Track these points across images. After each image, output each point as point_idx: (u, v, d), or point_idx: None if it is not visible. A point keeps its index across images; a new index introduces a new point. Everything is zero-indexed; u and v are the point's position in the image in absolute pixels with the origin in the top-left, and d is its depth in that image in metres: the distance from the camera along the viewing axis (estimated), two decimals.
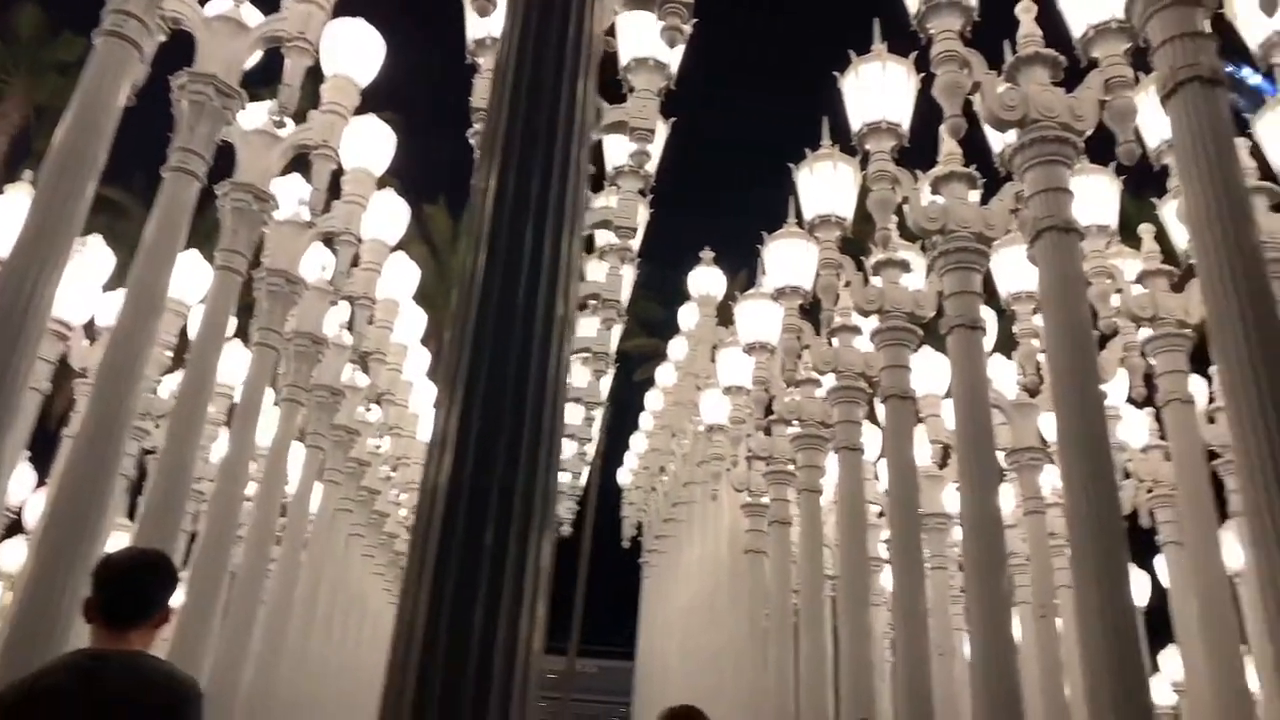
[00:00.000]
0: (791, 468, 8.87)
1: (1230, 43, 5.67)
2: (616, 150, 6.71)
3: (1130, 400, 9.13)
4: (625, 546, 16.21)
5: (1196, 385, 7.15)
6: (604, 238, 7.63)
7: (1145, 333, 7.09)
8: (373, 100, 7.31)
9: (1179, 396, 6.74)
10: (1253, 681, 6.39)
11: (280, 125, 6.35)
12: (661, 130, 6.87)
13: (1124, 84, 5.41)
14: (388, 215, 8.00)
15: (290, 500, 8.47)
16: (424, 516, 2.11)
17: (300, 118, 6.52)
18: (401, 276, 8.98)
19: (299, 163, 6.85)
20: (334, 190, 7.19)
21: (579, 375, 9.21)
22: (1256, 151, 6.44)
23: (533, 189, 2.36)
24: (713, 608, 11.10)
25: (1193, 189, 3.81)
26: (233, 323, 7.26)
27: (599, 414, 10.12)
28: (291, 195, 7.04)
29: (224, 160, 6.31)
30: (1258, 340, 3.34)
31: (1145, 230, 7.59)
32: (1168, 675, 12.92)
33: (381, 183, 7.75)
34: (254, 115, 6.41)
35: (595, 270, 7.99)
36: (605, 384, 9.40)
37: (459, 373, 2.18)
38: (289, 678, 7.76)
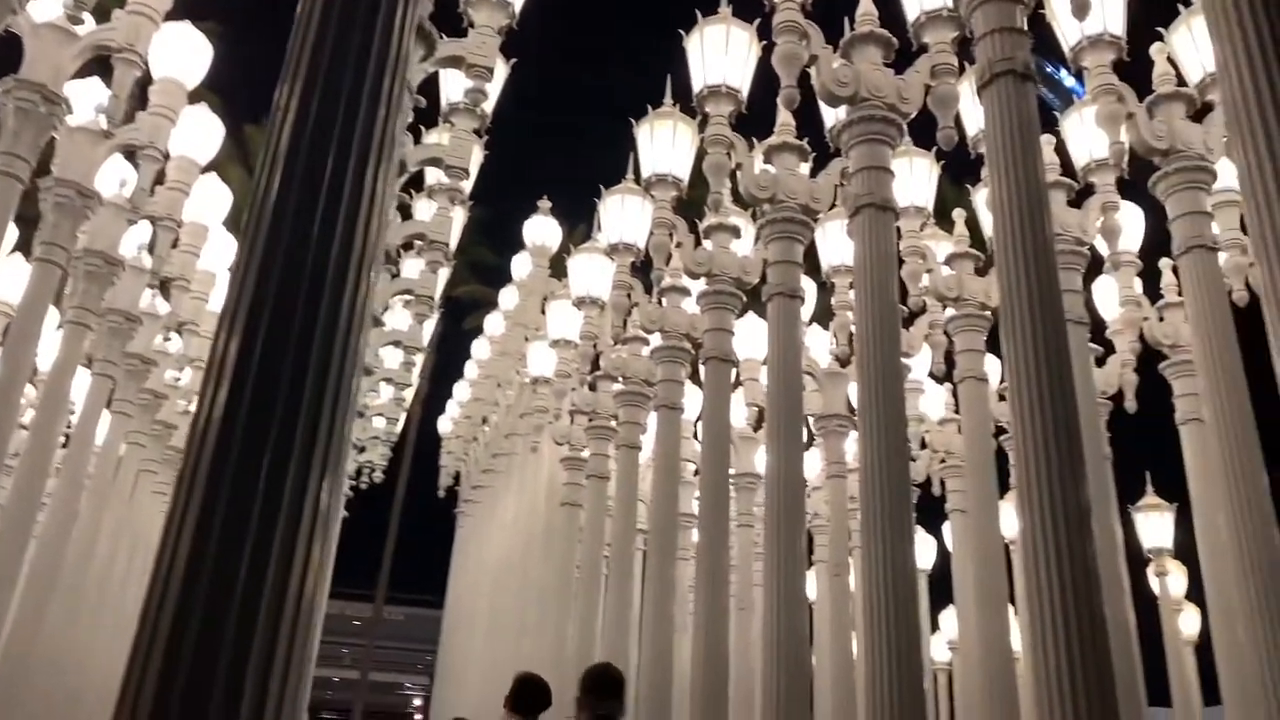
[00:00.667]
0: (613, 423, 8.95)
1: (1051, 43, 6.04)
2: (453, 86, 6.47)
3: (931, 375, 9.70)
4: (441, 495, 15.98)
5: (991, 364, 7.62)
6: (435, 176, 7.37)
7: (950, 312, 7.47)
8: (194, 7, 6.76)
9: (974, 374, 7.17)
10: (1016, 642, 6.93)
11: (77, 21, 5.75)
12: (501, 70, 6.66)
13: (949, 71, 5.65)
14: (200, 132, 7.41)
15: (73, 431, 7.84)
16: (194, 450, 1.96)
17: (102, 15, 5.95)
18: (212, 199, 8.37)
19: (101, 67, 6.27)
20: (142, 101, 6.63)
21: (400, 318, 8.93)
22: (1061, 148, 6.89)
23: (338, 114, 2.21)
24: (525, 559, 11.12)
25: (997, 178, 4.02)
26: (13, 234, 6.59)
27: (420, 359, 9.85)
28: (89, 101, 6.43)
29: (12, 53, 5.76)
30: (1042, 325, 3.57)
31: (958, 215, 8.01)
32: (946, 634, 13.97)
33: (196, 96, 7.18)
34: (48, 7, 5.78)
35: (423, 210, 7.72)
36: (429, 328, 9.15)
37: (242, 300, 2.03)
38: (60, 623, 7.22)
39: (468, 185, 7.20)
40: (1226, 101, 2.88)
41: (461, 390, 15.51)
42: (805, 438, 10.90)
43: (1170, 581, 11.39)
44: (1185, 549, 8.94)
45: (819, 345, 8.99)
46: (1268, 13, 2.78)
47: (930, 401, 10.03)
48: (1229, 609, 5.69)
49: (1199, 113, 5.85)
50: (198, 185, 7.67)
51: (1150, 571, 11.41)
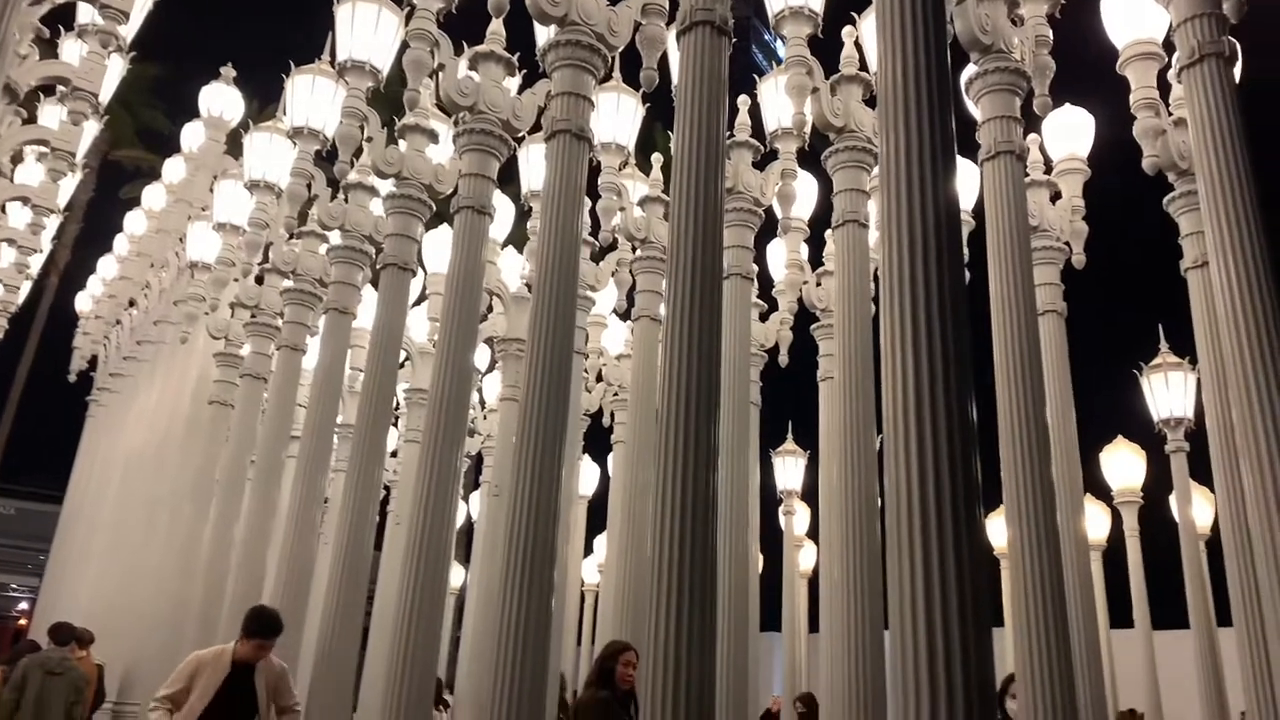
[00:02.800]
0: (278, 322, 8.36)
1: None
2: None
3: (615, 312, 9.99)
4: (72, 380, 14.20)
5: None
6: (89, 15, 6.38)
7: (639, 252, 7.66)
8: None
9: (649, 314, 7.42)
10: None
11: None
12: None
13: (659, 12, 5.70)
14: None
15: None
16: None
17: None
18: None
19: None
20: None
21: (31, 172, 7.73)
22: (756, 110, 7.22)
23: None
24: (161, 457, 10.19)
25: (683, 126, 4.10)
26: None
27: (53, 223, 8.59)
28: None
29: None
30: (701, 274, 3.71)
31: (656, 159, 8.20)
32: (597, 557, 14.69)
33: None
34: None
35: (71, 51, 6.67)
36: (67, 188, 7.98)
37: None
38: None
39: (128, 31, 6.29)
40: (880, 90, 3.10)
41: (108, 266, 13.83)
42: (489, 360, 10.95)
43: (795, 520, 12.71)
44: (813, 492, 9.92)
45: (511, 268, 8.90)
46: (925, 14, 3.01)
47: (611, 336, 10.32)
48: (831, 548, 6.38)
49: (873, 98, 6.35)
50: None
51: (781, 510, 12.67)
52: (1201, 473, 8.68)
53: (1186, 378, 7.75)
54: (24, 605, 29.14)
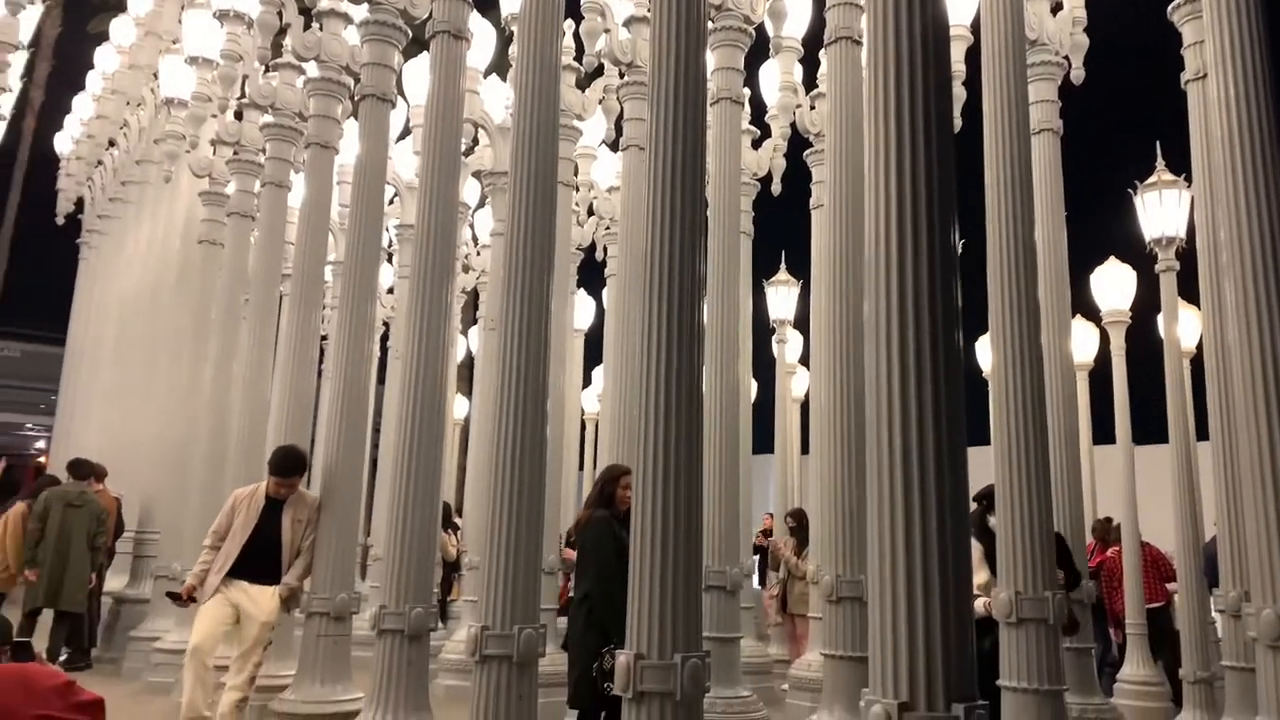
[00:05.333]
0: (260, 158, 8.20)
1: None
2: None
3: (604, 142, 9.76)
4: (61, 222, 14.05)
5: None
6: None
7: (625, 78, 7.40)
8: None
9: (639, 143, 7.22)
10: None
11: None
12: None
13: None
14: None
15: None
16: None
17: None
18: None
19: None
20: None
21: None
22: None
23: None
24: (157, 297, 10.23)
25: None
26: None
27: (19, 60, 8.29)
28: None
29: None
30: (684, 98, 3.60)
31: None
32: (595, 388, 14.98)
33: None
34: None
35: None
36: (28, 22, 7.65)
37: None
38: None
39: None
40: None
41: (85, 105, 13.43)
42: (479, 195, 10.80)
43: (788, 348, 12.87)
44: (807, 321, 9.99)
45: (495, 98, 8.62)
46: None
47: (601, 168, 10.13)
48: (821, 373, 6.51)
49: None
50: None
51: (774, 339, 12.81)
52: (1191, 293, 8.75)
53: (1180, 195, 7.65)
54: (41, 444, 29.94)
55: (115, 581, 9.68)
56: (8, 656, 3.04)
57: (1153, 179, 7.84)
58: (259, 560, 5.73)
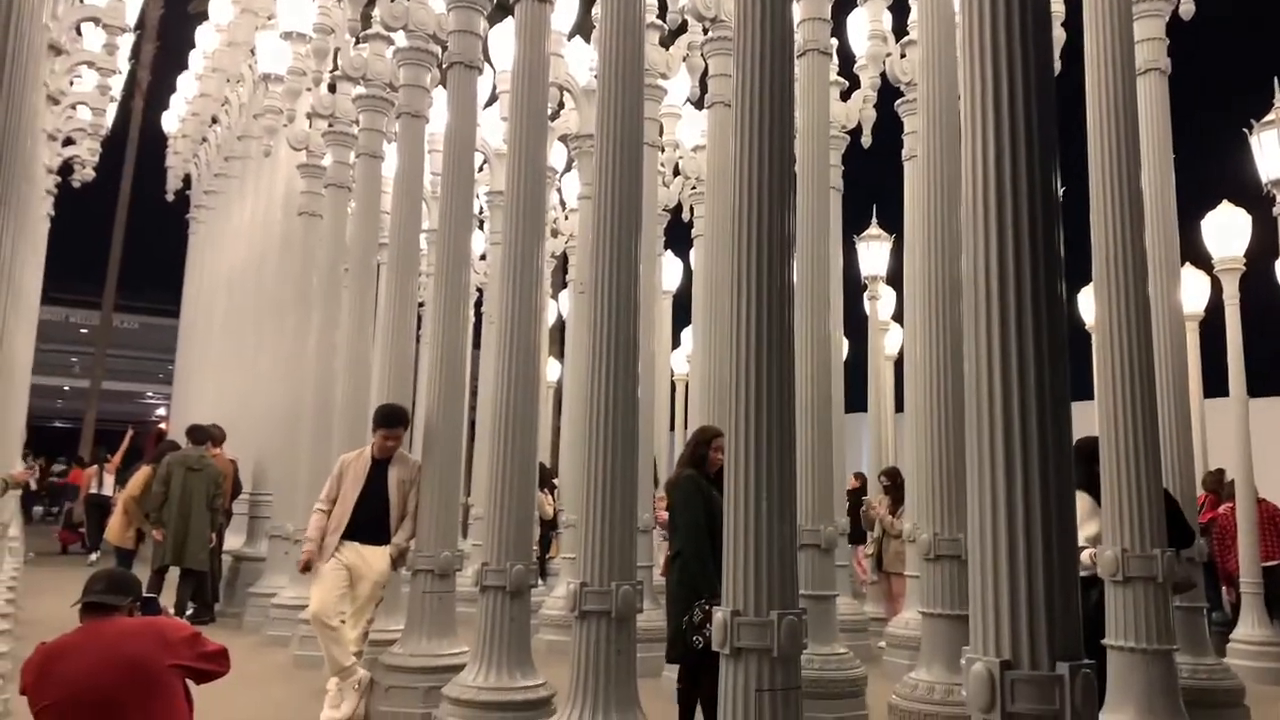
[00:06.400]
0: (354, 130, 8.38)
1: None
2: None
3: (689, 100, 9.67)
4: (171, 199, 14.67)
5: None
6: None
7: (711, 34, 7.29)
8: None
9: (724, 100, 7.13)
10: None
11: None
12: None
13: None
14: None
15: None
16: None
17: None
18: None
19: None
20: None
21: None
22: None
23: None
24: (261, 269, 10.62)
25: None
26: None
27: (127, 42, 8.63)
28: None
29: None
30: (771, 53, 3.55)
31: None
32: (685, 350, 15.00)
33: None
34: None
35: None
36: (134, 6, 7.95)
37: None
38: None
39: None
40: None
41: (188, 84, 13.92)
42: (566, 160, 10.84)
43: (880, 305, 12.65)
44: (899, 276, 9.80)
45: (579, 60, 8.62)
46: None
47: (686, 127, 10.05)
48: (915, 330, 6.39)
49: None
50: None
51: (866, 295, 12.60)
52: None
53: None
54: (161, 411, 31.53)
55: (233, 540, 10.20)
56: (139, 611, 3.24)
57: (1270, 116, 7.41)
58: (369, 521, 5.96)
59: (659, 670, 6.34)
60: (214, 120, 13.24)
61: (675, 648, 4.89)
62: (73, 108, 9.71)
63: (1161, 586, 4.46)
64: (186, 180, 15.18)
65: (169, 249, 17.68)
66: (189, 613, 9.05)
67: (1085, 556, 4.64)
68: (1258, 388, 8.90)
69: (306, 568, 6.05)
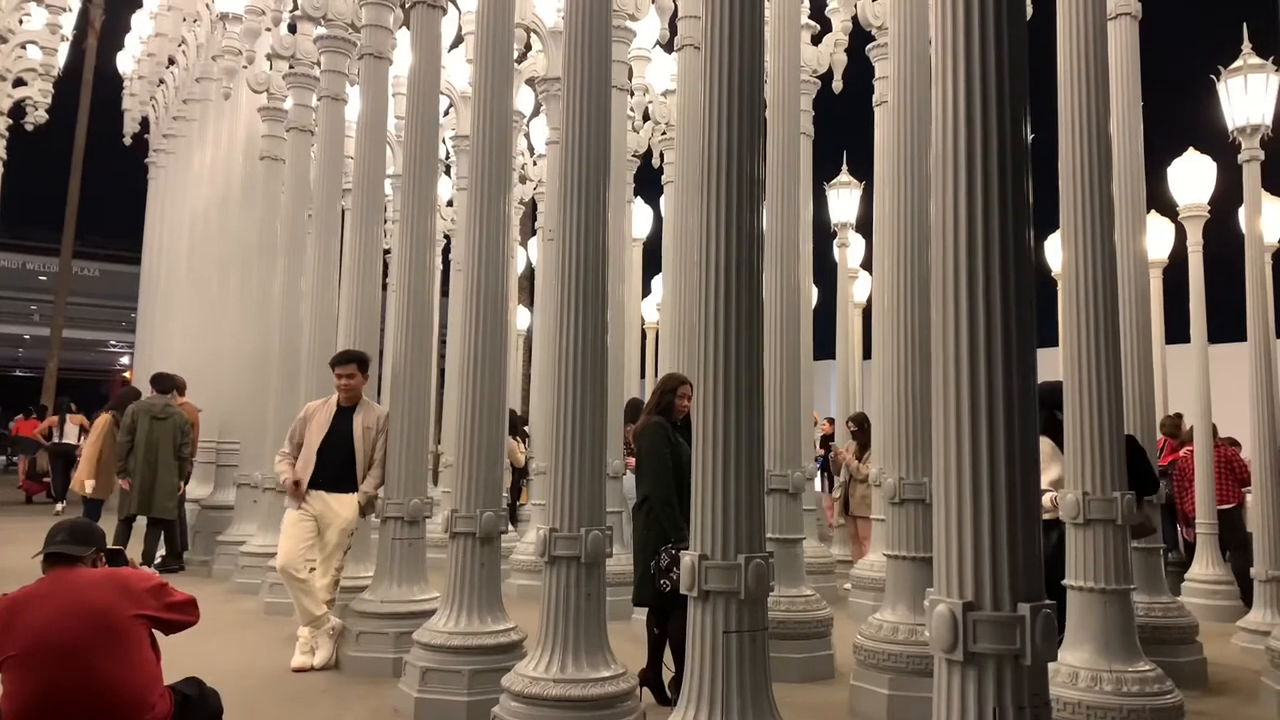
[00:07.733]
0: (315, 71, 8.18)
1: None
2: None
3: (659, 43, 9.52)
4: (128, 143, 14.28)
5: None
6: None
7: None
8: None
9: (693, 43, 7.01)
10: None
11: None
12: None
13: None
14: None
15: None
16: None
17: None
18: None
19: None
20: None
21: None
22: None
23: None
24: (224, 214, 10.41)
25: None
26: None
27: None
28: None
29: None
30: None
31: None
32: (655, 298, 14.98)
33: None
34: None
35: None
36: None
37: None
38: None
39: None
40: None
41: (143, 24, 13.49)
42: (534, 103, 10.65)
43: (849, 253, 12.66)
44: (869, 224, 9.78)
45: (548, 1, 8.43)
46: None
47: (656, 71, 9.89)
48: (884, 277, 6.40)
49: None
50: None
51: (835, 243, 12.60)
52: (1276, 185, 8.33)
53: (1268, 80, 7.23)
54: (125, 360, 31.10)
55: (201, 490, 10.13)
56: (103, 561, 3.22)
57: (1238, 63, 7.42)
58: (335, 468, 5.95)
59: (628, 613, 6.42)
60: (171, 61, 12.86)
61: (643, 591, 4.96)
62: (22, 47, 9.41)
63: (1121, 529, 4.55)
64: (144, 123, 14.78)
65: (129, 194, 17.27)
66: (158, 562, 9.02)
67: (1046, 500, 4.73)
68: (1218, 334, 9.03)
69: (296, 486, 5.96)
